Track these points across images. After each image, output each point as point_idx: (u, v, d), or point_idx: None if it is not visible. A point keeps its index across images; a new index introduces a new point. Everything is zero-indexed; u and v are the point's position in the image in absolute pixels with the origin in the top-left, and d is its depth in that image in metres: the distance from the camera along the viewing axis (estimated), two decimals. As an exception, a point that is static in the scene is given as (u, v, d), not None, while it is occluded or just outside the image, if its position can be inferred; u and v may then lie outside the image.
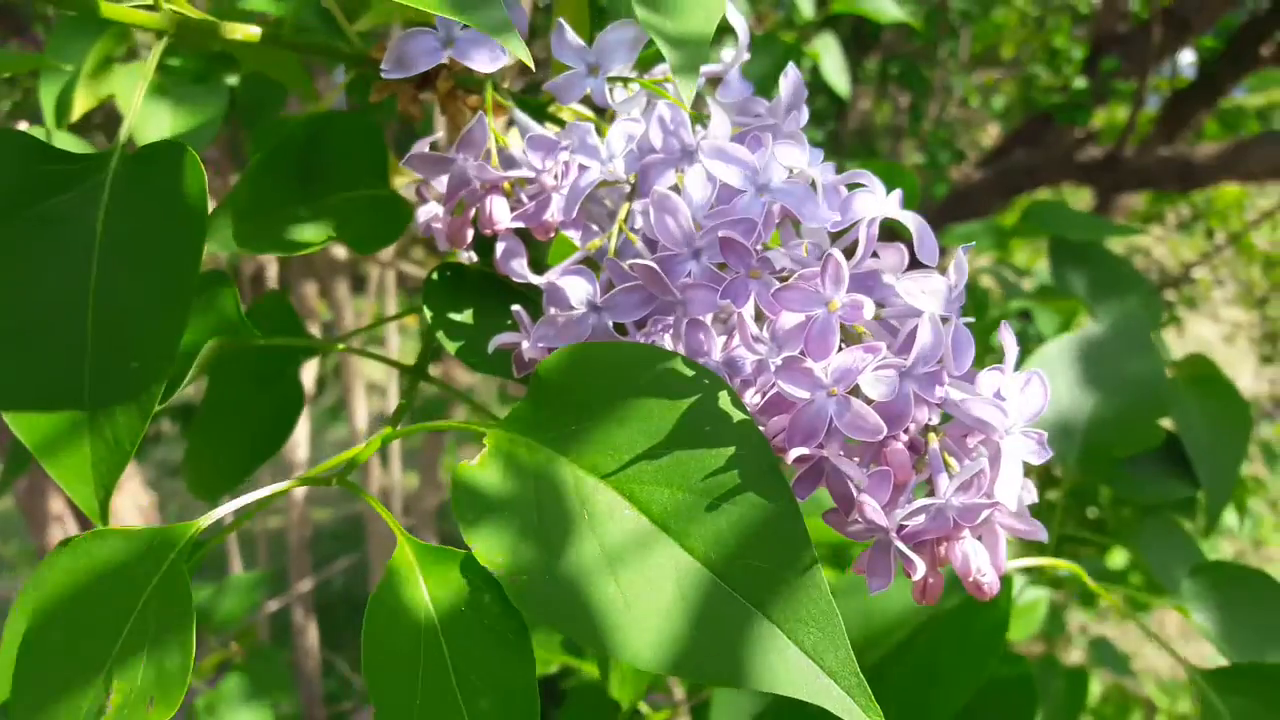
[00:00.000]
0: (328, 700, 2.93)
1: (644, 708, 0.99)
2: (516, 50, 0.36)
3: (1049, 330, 1.40)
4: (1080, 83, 2.37)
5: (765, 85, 1.74)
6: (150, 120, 0.90)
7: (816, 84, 2.17)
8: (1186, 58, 3.32)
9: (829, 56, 1.86)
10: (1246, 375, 4.77)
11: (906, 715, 0.66)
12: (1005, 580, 0.67)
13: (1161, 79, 3.27)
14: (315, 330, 2.46)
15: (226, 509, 0.45)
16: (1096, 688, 2.68)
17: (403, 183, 0.63)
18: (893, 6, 1.77)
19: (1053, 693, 1.42)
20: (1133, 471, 0.92)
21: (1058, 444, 0.85)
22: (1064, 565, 0.74)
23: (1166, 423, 0.90)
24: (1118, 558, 2.16)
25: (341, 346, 0.61)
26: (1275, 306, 3.75)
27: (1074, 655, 2.88)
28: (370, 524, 2.49)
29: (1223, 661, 0.73)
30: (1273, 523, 3.34)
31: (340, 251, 2.21)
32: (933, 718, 0.66)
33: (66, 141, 0.76)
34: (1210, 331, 4.73)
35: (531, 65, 0.38)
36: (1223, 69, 2.53)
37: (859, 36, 2.70)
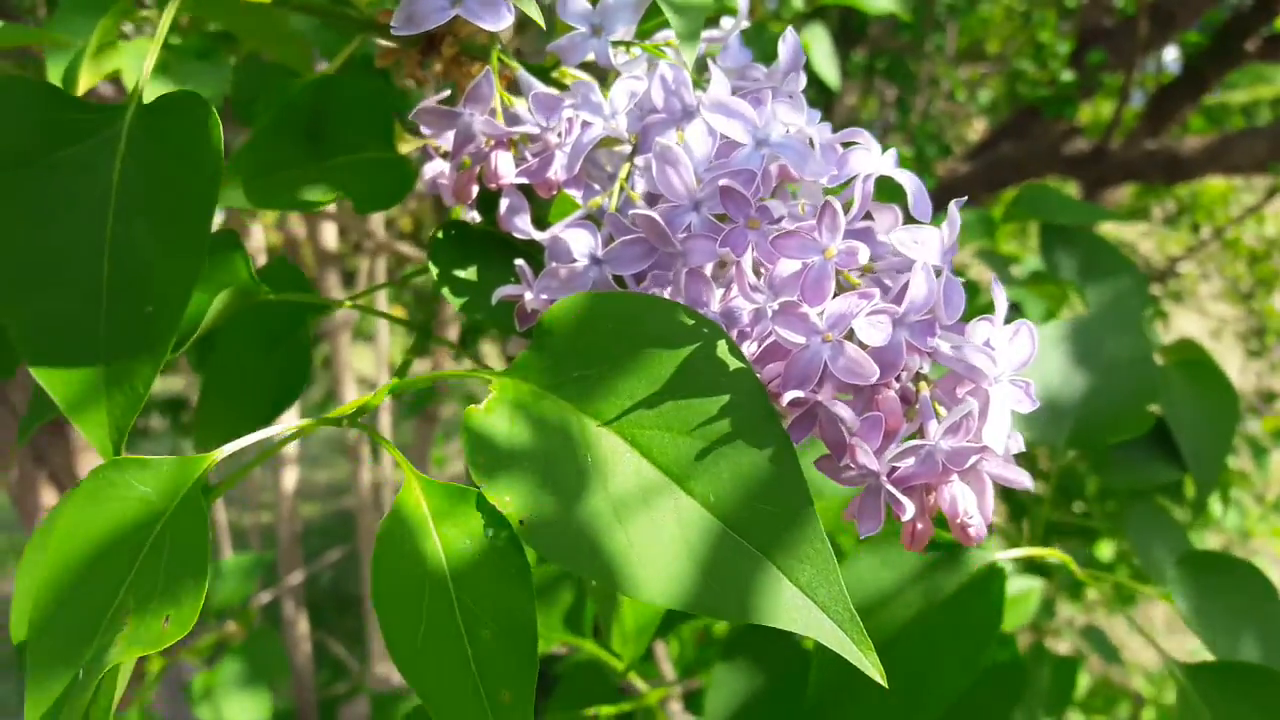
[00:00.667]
0: (320, 689, 2.93)
1: (640, 683, 1.00)
2: (527, 8, 0.37)
3: (1037, 318, 1.41)
4: (1067, 76, 2.39)
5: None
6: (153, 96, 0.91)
7: (807, 76, 2.17)
8: (1171, 54, 3.34)
9: (818, 47, 1.87)
10: (1233, 370, 4.79)
11: (905, 700, 0.67)
12: (999, 570, 0.68)
13: (1147, 75, 3.29)
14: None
15: (245, 441, 0.46)
16: (1085, 681, 2.70)
17: (407, 149, 0.65)
18: (883, -4, 1.79)
19: (1041, 681, 1.44)
20: (1120, 455, 0.93)
21: (1048, 428, 0.86)
22: (1054, 554, 0.75)
23: (1155, 408, 0.91)
24: (1105, 550, 2.18)
25: (348, 303, 0.63)
26: (1261, 301, 3.77)
27: (1062, 647, 2.90)
28: (360, 519, 2.49)
29: (1207, 655, 0.74)
30: (1258, 515, 3.36)
31: (331, 243, 2.22)
32: (932, 703, 0.67)
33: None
34: (1196, 326, 4.76)
35: (542, 23, 0.39)
36: (1207, 64, 2.56)
37: (846, 30, 2.71)
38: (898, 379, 0.46)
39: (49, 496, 1.76)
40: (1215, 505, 3.02)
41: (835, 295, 0.44)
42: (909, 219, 0.49)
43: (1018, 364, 0.45)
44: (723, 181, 0.45)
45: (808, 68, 2.01)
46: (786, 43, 0.54)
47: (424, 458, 2.86)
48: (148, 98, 0.88)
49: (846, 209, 0.48)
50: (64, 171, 0.48)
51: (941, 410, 0.46)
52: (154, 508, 0.42)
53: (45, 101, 0.49)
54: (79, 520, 0.42)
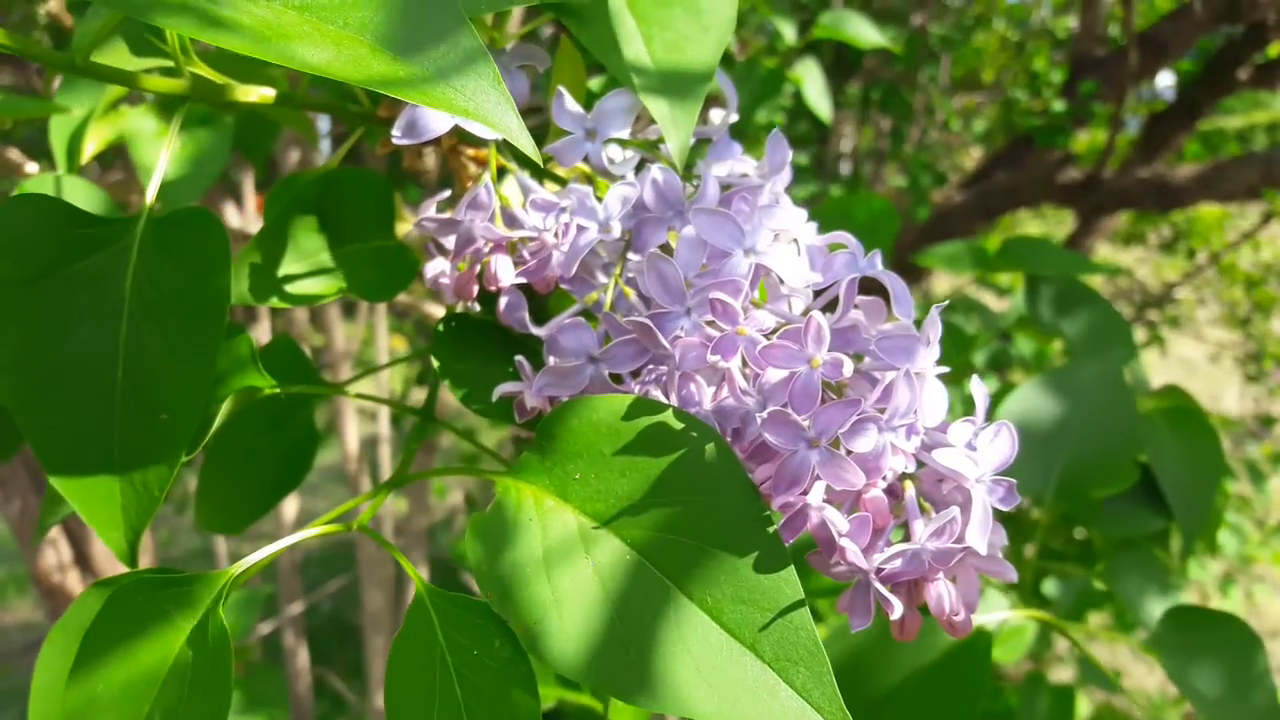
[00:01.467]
0: (319, 721, 2.94)
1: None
2: (518, 142, 0.39)
3: (1027, 351, 1.43)
4: (1059, 106, 2.41)
5: (749, 111, 1.79)
6: (157, 154, 0.94)
7: (800, 109, 2.21)
8: (1166, 80, 3.36)
9: (811, 81, 1.90)
10: (1231, 394, 4.81)
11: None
12: (985, 633, 0.70)
13: (1140, 103, 3.31)
14: (306, 352, 2.48)
15: (256, 557, 0.48)
16: (1086, 706, 2.70)
17: (407, 230, 0.66)
18: (873, 32, 1.82)
19: (1038, 711, 1.45)
20: (1107, 505, 0.95)
21: (1035, 480, 0.88)
22: (1038, 616, 0.76)
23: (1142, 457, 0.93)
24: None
25: (352, 393, 0.64)
26: (1258, 326, 3.79)
27: (1064, 674, 2.91)
28: (360, 549, 2.51)
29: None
30: (1258, 540, 3.37)
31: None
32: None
33: (78, 186, 0.79)
34: (1195, 351, 4.78)
35: (536, 157, 0.41)
36: (1200, 91, 2.58)
37: (841, 62, 2.74)
38: (884, 477, 0.47)
39: (51, 529, 1.77)
40: (1221, 534, 3.03)
41: (823, 402, 0.46)
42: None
43: (999, 464, 0.47)
44: (712, 294, 0.47)
45: (802, 103, 2.03)
46: (772, 142, 0.56)
47: (424, 486, 2.88)
48: (153, 158, 0.90)
49: (833, 307, 0.50)
50: (79, 283, 0.50)
51: (927, 507, 0.48)
52: (174, 628, 0.44)
53: (62, 217, 0.51)
54: (102, 644, 0.44)
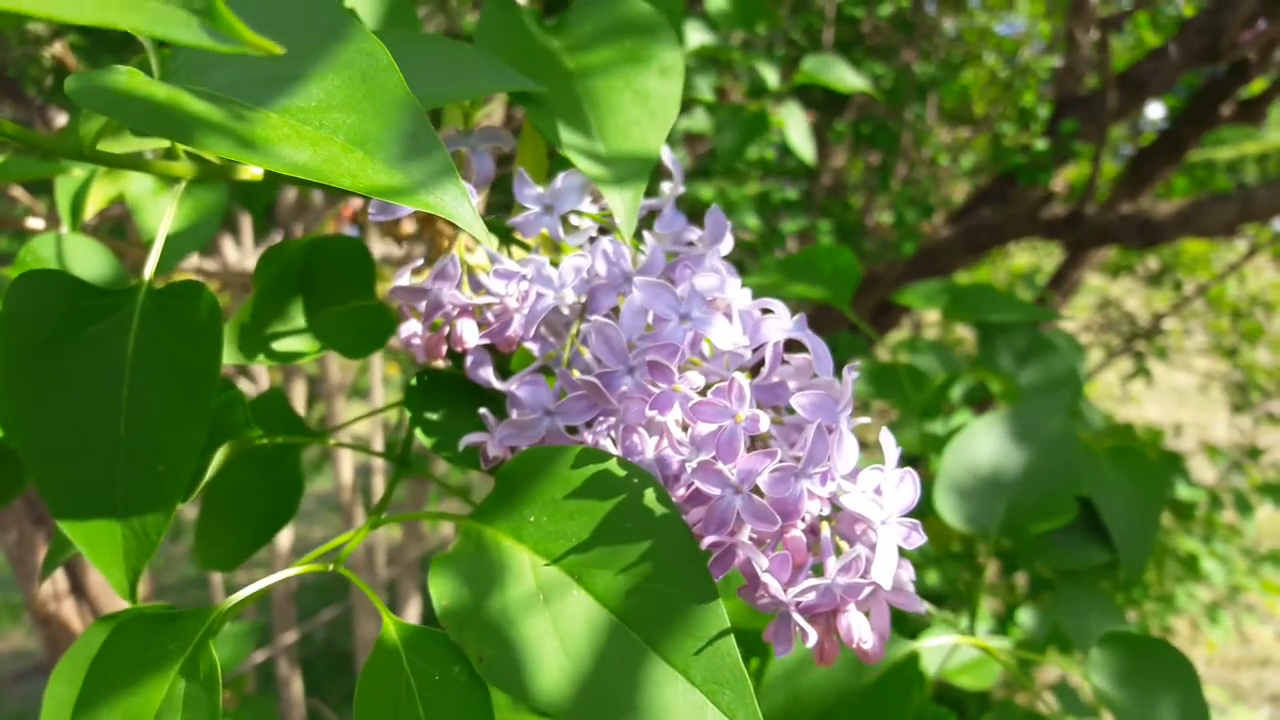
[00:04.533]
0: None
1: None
2: (471, 230, 0.45)
3: (997, 388, 1.48)
4: (1041, 144, 2.47)
5: (733, 154, 1.85)
6: (158, 218, 1.00)
7: (789, 146, 2.26)
8: (1157, 111, 3.41)
9: (794, 125, 1.96)
10: (1220, 424, 4.86)
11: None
12: (915, 655, 0.76)
13: (1129, 135, 3.37)
14: (300, 381, 2.55)
15: (245, 593, 0.54)
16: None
17: (387, 289, 0.72)
18: (853, 77, 1.88)
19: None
20: (1053, 538, 1.00)
21: (981, 516, 0.93)
22: (978, 643, 0.82)
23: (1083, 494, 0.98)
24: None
25: (333, 442, 0.70)
26: (1245, 356, 3.84)
27: (1051, 701, 2.95)
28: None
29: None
30: (1245, 569, 3.40)
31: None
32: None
33: (82, 244, 0.85)
34: (1186, 381, 4.83)
35: (492, 244, 0.47)
36: (1185, 127, 2.63)
37: (831, 97, 2.81)
38: (804, 519, 0.53)
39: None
40: (1205, 562, 3.07)
41: (748, 451, 0.52)
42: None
43: (904, 506, 0.53)
44: (650, 356, 0.53)
45: (784, 146, 2.09)
46: (710, 217, 0.62)
47: (422, 506, 2.93)
48: (153, 217, 0.96)
49: (758, 370, 0.56)
50: (85, 348, 0.56)
51: (843, 545, 0.54)
52: (170, 660, 0.50)
53: (70, 290, 0.57)
54: (104, 677, 0.50)
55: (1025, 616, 1.61)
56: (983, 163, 3.31)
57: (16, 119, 1.98)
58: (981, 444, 0.96)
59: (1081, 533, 1.02)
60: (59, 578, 1.78)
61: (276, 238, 2.26)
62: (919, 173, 3.07)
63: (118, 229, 1.87)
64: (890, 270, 2.75)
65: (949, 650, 1.00)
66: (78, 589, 1.86)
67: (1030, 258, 4.60)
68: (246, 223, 2.20)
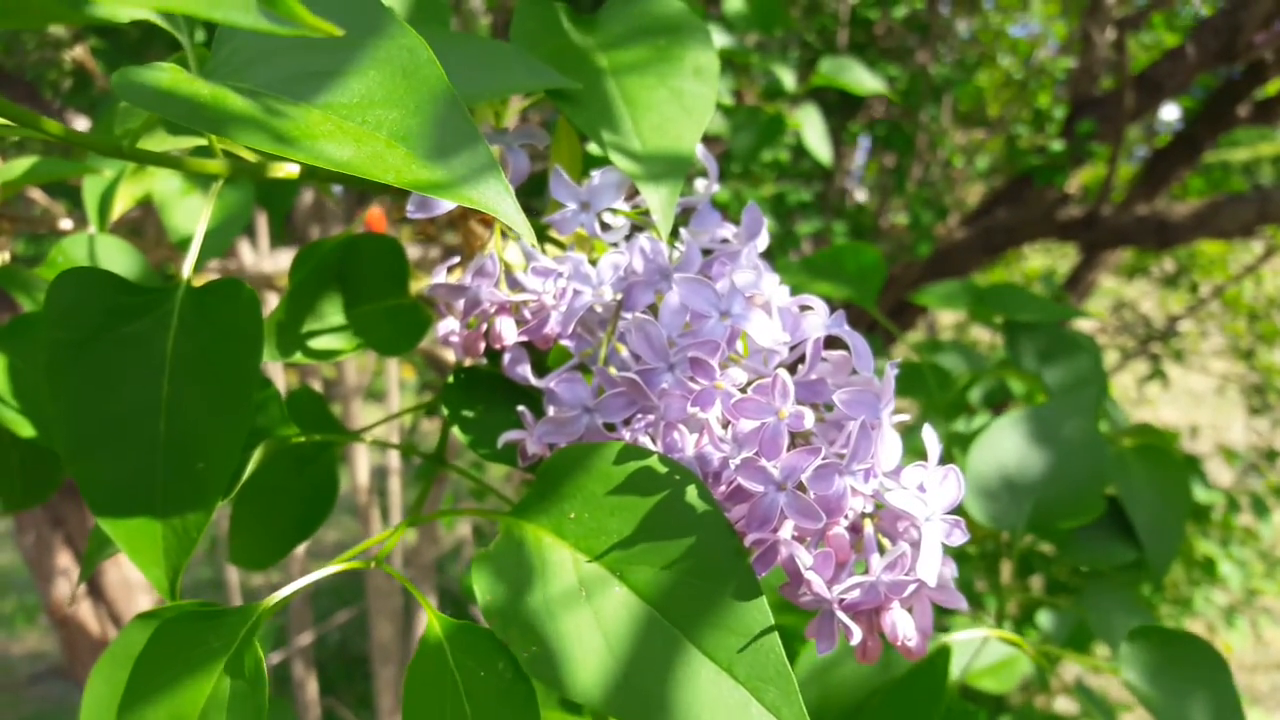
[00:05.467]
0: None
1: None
2: (514, 224, 0.45)
3: (1018, 388, 1.48)
4: (1057, 145, 2.47)
5: (749, 156, 1.85)
6: (188, 217, 1.00)
7: (804, 148, 2.26)
8: (1172, 113, 3.40)
9: (810, 127, 1.96)
10: (1237, 427, 4.84)
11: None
12: (946, 649, 0.76)
13: (1145, 136, 3.36)
14: (317, 384, 2.55)
15: (286, 591, 0.54)
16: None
17: (420, 288, 0.72)
18: (870, 79, 1.88)
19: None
20: (1080, 536, 1.00)
21: (1007, 512, 0.93)
22: (1008, 638, 0.81)
23: (1111, 490, 0.98)
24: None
25: (369, 440, 0.70)
26: (1262, 358, 3.83)
27: (1069, 704, 2.94)
28: (369, 581, 2.57)
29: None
30: (1262, 571, 3.39)
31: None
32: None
33: (112, 244, 0.85)
34: (1203, 383, 4.81)
35: (534, 242, 0.47)
36: (1201, 128, 2.63)
37: (846, 99, 2.80)
38: (846, 516, 0.53)
39: (64, 559, 1.83)
40: (1222, 565, 3.05)
41: (790, 448, 0.52)
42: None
43: (948, 504, 0.52)
44: (691, 353, 0.53)
45: (800, 146, 2.09)
46: (747, 214, 0.62)
47: (436, 507, 2.94)
48: (183, 218, 0.97)
49: (794, 367, 0.56)
50: (125, 345, 0.56)
51: (885, 542, 0.53)
52: (215, 657, 0.50)
53: (109, 287, 0.57)
54: (149, 674, 0.50)
55: (1044, 618, 1.61)
56: (998, 164, 3.30)
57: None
58: (1008, 441, 0.95)
59: (1107, 531, 1.01)
60: (74, 578, 1.78)
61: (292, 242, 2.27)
62: (934, 174, 3.06)
63: (134, 232, 1.88)
64: (906, 272, 2.74)
65: (977, 647, 1.00)
66: (94, 590, 1.87)
67: (1045, 260, 4.59)
68: (263, 225, 2.21)
